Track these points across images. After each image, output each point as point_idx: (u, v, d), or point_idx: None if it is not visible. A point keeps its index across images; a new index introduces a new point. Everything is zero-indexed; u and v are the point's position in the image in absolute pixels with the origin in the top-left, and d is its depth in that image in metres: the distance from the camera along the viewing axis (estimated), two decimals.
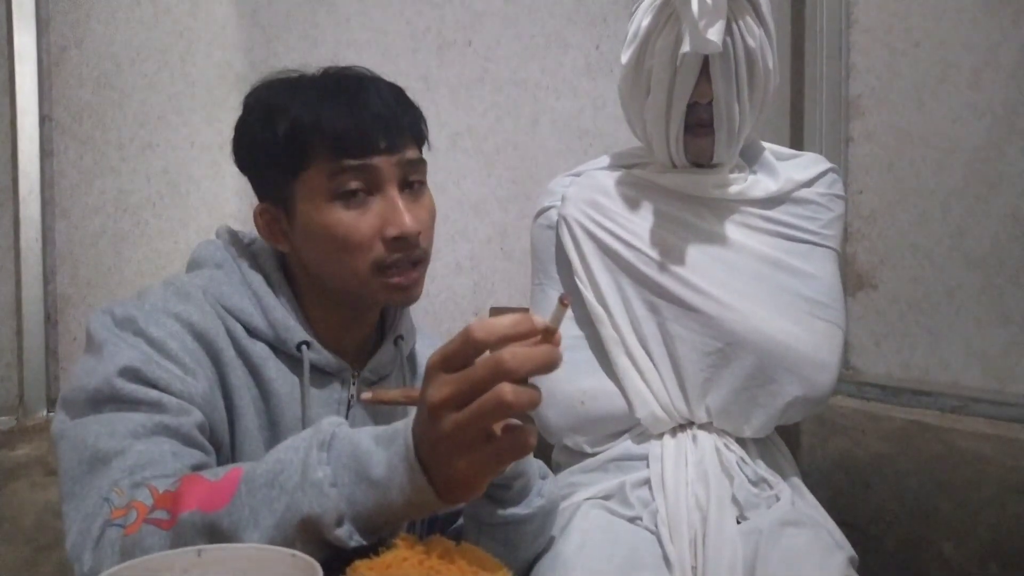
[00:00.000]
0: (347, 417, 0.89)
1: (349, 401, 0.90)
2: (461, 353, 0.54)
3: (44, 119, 1.42)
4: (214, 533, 0.60)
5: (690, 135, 1.10)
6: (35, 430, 1.35)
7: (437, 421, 0.54)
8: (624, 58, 1.10)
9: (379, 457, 0.58)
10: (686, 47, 0.98)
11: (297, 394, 0.86)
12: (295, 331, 0.86)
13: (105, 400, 0.75)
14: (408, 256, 0.84)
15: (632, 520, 1.09)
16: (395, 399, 0.86)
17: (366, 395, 0.85)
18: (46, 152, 1.42)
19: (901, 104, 1.56)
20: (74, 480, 0.72)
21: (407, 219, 0.82)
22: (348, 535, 0.58)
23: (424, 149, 0.94)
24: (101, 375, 0.75)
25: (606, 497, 1.12)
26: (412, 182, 0.87)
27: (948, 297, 1.46)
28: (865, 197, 1.63)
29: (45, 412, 1.38)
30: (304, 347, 0.86)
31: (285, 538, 0.58)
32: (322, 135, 0.81)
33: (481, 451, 0.54)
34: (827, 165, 1.22)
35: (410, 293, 0.87)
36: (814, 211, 1.18)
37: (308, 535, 0.58)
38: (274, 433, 0.85)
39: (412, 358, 1.01)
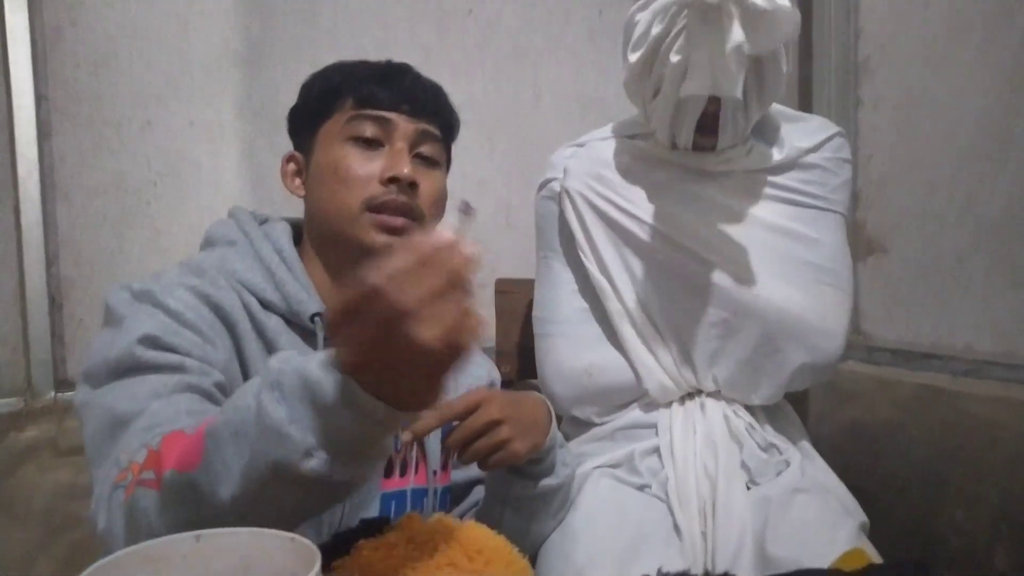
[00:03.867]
0: None
1: None
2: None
3: (40, 100, 1.41)
4: (196, 492, 0.59)
5: (697, 134, 1.09)
6: (43, 412, 1.36)
7: (336, 337, 0.53)
8: (632, 58, 1.06)
9: (327, 382, 0.56)
10: (704, 91, 0.95)
11: None
12: (308, 303, 0.88)
13: (127, 369, 0.75)
14: (398, 200, 0.88)
15: (641, 488, 1.08)
16: (432, 426, 0.85)
17: (406, 437, 0.84)
18: (44, 134, 1.41)
19: (910, 66, 1.53)
20: (97, 445, 0.72)
21: (406, 167, 0.88)
22: (323, 465, 0.56)
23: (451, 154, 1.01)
24: (121, 345, 0.76)
25: (615, 466, 1.12)
26: (427, 156, 0.93)
27: (959, 261, 1.44)
28: (875, 162, 1.60)
29: (53, 394, 1.39)
30: (317, 319, 0.88)
31: (263, 485, 0.57)
32: (349, 87, 0.91)
33: (406, 363, 0.52)
34: (834, 129, 1.19)
35: (396, 239, 0.88)
36: (821, 176, 1.16)
37: (283, 478, 0.56)
38: None
39: None
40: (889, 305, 1.56)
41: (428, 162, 0.94)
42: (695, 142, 1.10)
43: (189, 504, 0.59)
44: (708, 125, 1.07)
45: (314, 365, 0.57)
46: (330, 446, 0.55)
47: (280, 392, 0.57)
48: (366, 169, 0.88)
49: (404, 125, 0.91)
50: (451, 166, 1.02)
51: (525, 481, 0.93)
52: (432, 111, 0.94)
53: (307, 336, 0.89)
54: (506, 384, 1.33)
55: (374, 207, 0.87)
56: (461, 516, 1.03)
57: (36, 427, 1.34)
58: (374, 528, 0.59)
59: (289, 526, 0.52)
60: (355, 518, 0.91)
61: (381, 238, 0.87)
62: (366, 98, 0.91)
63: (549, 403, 0.95)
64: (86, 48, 1.45)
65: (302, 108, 0.99)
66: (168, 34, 1.50)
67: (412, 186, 0.89)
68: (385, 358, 0.52)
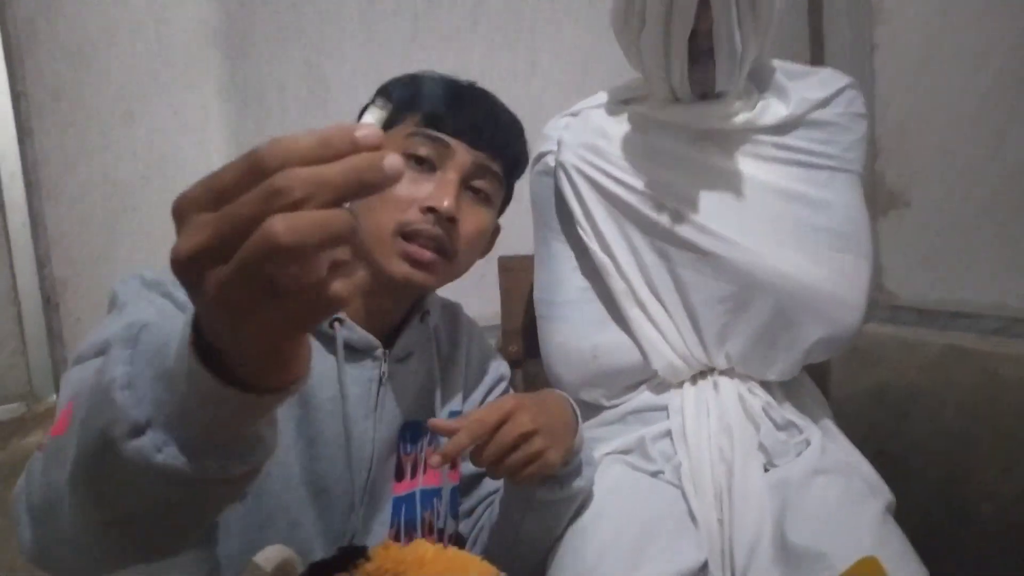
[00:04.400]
0: (378, 394, 0.86)
1: (380, 378, 0.87)
2: (239, 183, 0.37)
3: (19, 96, 1.36)
4: (59, 459, 0.52)
5: (691, 65, 1.00)
6: (45, 416, 1.34)
7: (196, 282, 0.38)
8: None
9: (175, 342, 0.44)
10: None
11: (330, 372, 0.83)
12: None
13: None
14: (433, 231, 0.82)
15: (654, 475, 1.04)
16: (464, 445, 0.77)
17: (435, 461, 0.76)
18: (25, 132, 1.37)
19: (928, 7, 1.43)
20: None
21: (449, 200, 0.81)
22: (155, 447, 0.43)
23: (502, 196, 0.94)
24: (114, 328, 0.70)
25: (626, 451, 1.07)
26: (478, 189, 0.87)
27: (985, 212, 1.36)
28: (892, 109, 1.51)
29: (54, 397, 1.37)
30: (336, 324, 0.83)
31: (98, 464, 0.46)
32: (419, 102, 0.85)
33: (264, 314, 0.38)
34: (845, 81, 1.11)
35: (418, 273, 0.83)
36: (833, 133, 1.08)
37: (112, 455, 0.44)
38: (305, 411, 0.82)
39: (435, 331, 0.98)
40: (912, 261, 1.49)
41: (478, 196, 0.87)
42: (692, 77, 1.01)
43: (56, 471, 0.52)
44: (702, 53, 0.98)
45: (187, 321, 0.44)
46: (172, 426, 0.44)
47: (133, 350, 0.46)
48: (409, 191, 0.82)
49: (462, 154, 0.84)
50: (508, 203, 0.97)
51: (551, 486, 0.89)
52: (498, 145, 0.88)
53: (326, 341, 0.83)
54: (513, 364, 1.29)
55: (406, 234, 0.82)
56: (471, 510, 1.00)
57: (39, 433, 1.32)
58: (351, 557, 0.55)
59: (154, 535, 0.45)
60: (371, 525, 0.88)
61: (403, 268, 0.82)
62: (430, 116, 0.85)
63: (571, 399, 0.91)
64: (61, 40, 1.39)
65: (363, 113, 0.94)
66: (144, 17, 1.45)
67: (451, 220, 0.83)
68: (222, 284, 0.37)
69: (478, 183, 0.87)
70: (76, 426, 0.49)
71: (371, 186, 0.37)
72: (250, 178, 0.36)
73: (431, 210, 0.82)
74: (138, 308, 0.73)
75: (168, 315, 0.72)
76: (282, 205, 0.35)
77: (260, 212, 0.35)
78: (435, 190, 0.82)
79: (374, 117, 0.44)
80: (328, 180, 0.36)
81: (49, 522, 0.53)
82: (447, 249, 0.84)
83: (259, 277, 0.36)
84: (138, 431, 0.43)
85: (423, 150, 0.83)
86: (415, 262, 0.82)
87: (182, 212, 0.38)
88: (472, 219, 0.86)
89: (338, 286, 0.37)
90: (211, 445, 0.45)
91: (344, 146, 0.37)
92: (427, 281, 0.84)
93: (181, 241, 0.38)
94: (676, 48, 0.98)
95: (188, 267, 0.38)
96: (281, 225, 0.34)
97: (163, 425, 0.44)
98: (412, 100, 0.86)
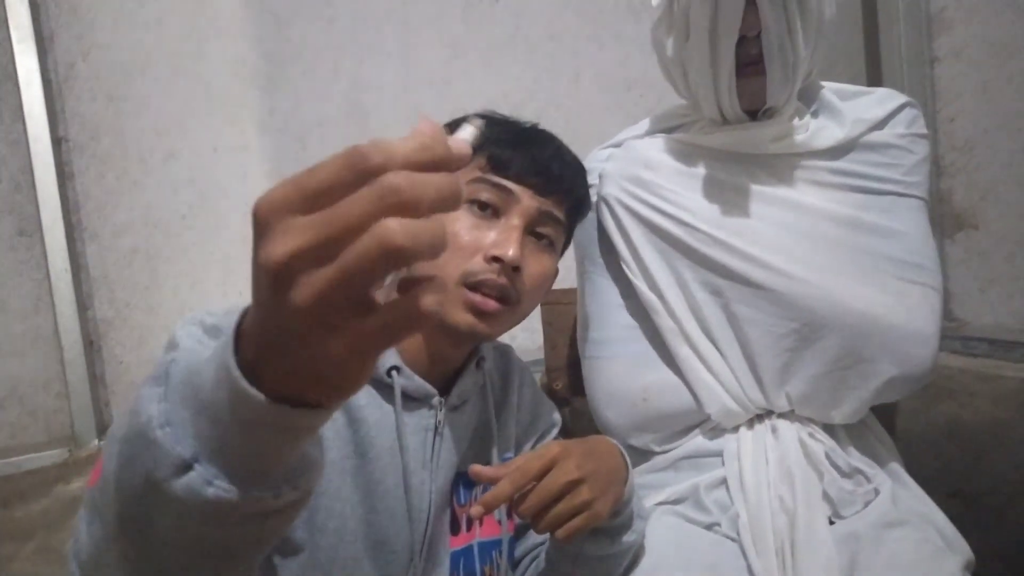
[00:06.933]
0: (434, 443, 0.84)
1: (436, 427, 0.84)
2: (339, 183, 0.34)
3: (59, 141, 1.37)
4: (103, 512, 0.49)
5: (740, 77, 0.95)
6: (88, 461, 1.33)
7: (285, 289, 0.35)
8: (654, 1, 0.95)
9: (209, 369, 0.42)
10: None
11: (388, 421, 0.80)
12: (385, 356, 0.81)
13: None
14: (498, 281, 0.79)
15: (709, 527, 0.97)
16: (506, 496, 0.74)
17: (476, 512, 0.73)
18: (66, 175, 1.38)
19: (994, 13, 1.35)
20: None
21: (515, 249, 0.79)
22: (204, 481, 0.41)
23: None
24: None
25: (678, 501, 1.01)
26: (542, 235, 0.85)
27: None
28: (958, 125, 1.43)
29: (97, 442, 1.36)
30: (394, 372, 0.81)
31: (144, 510, 0.44)
32: (483, 145, 0.81)
33: (354, 329, 0.36)
34: (902, 99, 1.04)
35: (482, 323, 0.80)
36: (893, 156, 1.01)
37: (161, 499, 0.43)
38: (363, 462, 0.79)
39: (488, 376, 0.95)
40: (984, 287, 1.40)
41: (541, 243, 0.85)
42: (741, 91, 0.96)
43: (98, 525, 0.50)
44: (751, 63, 0.93)
45: (213, 348, 0.42)
46: (217, 458, 0.42)
47: (165, 387, 0.44)
48: (473, 238, 0.80)
49: (527, 201, 0.82)
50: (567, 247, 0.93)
51: (599, 540, 0.84)
52: (563, 191, 0.85)
53: (383, 390, 0.81)
54: (559, 403, 1.24)
55: (471, 284, 0.79)
56: (517, 562, 0.95)
57: (82, 478, 1.32)
58: None
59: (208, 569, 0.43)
60: None
61: (468, 318, 0.79)
62: (495, 160, 0.82)
63: (620, 446, 0.86)
64: (100, 81, 1.40)
65: None
66: (182, 57, 1.45)
67: (516, 269, 0.80)
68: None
69: (542, 229, 0.84)
70: (112, 474, 0.47)
71: (451, 209, 0.35)
72: (353, 177, 0.34)
73: (496, 259, 0.79)
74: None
75: None
76: (393, 206, 0.33)
77: (372, 212, 0.33)
78: (500, 238, 0.80)
79: (468, 135, 0.41)
80: (431, 189, 0.34)
81: None
82: (511, 298, 0.81)
83: (363, 282, 0.35)
84: (185, 468, 0.42)
85: (487, 195, 0.81)
86: (480, 313, 0.79)
87: (269, 215, 0.35)
88: (536, 266, 0.84)
89: (429, 300, 0.35)
90: (261, 472, 0.43)
91: (441, 155, 0.36)
92: (491, 331, 0.82)
93: (274, 244, 0.35)
94: (723, 56, 0.92)
95: (281, 272, 0.35)
96: (397, 226, 0.33)
97: (209, 458, 0.42)
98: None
